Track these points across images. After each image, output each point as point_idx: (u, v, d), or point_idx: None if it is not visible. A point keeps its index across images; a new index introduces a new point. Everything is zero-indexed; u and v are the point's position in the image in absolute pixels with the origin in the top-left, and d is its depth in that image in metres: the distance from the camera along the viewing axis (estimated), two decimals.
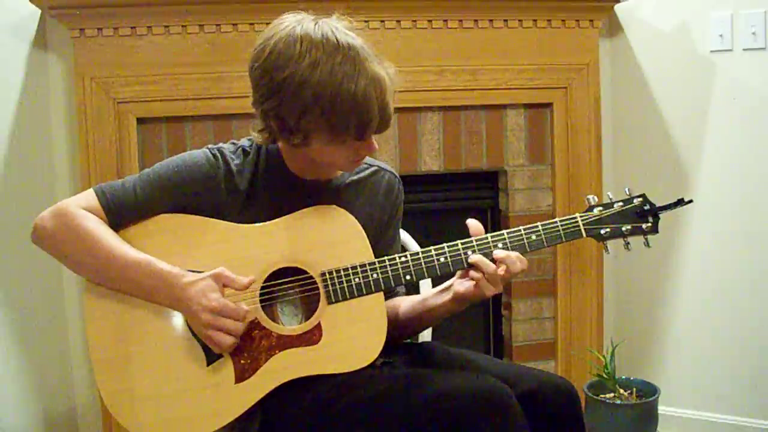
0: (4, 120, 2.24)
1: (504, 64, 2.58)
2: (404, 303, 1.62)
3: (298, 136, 1.40)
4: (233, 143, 1.55)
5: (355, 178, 1.60)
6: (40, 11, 2.36)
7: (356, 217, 1.51)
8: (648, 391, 2.52)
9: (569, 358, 2.73)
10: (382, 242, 1.62)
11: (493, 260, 1.44)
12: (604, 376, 2.52)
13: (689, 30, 2.59)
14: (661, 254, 2.73)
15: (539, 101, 2.64)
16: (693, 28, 2.58)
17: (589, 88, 2.66)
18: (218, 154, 1.50)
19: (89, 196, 1.46)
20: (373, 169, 1.63)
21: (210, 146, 1.52)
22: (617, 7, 2.71)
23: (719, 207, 2.59)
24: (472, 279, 1.45)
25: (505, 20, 2.56)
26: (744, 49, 2.49)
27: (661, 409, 2.53)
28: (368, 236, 1.52)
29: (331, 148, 1.42)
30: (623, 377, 2.59)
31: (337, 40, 1.35)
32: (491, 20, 2.55)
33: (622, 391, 2.53)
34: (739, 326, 2.57)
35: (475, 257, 1.45)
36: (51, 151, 2.46)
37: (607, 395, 2.51)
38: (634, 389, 2.55)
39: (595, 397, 2.48)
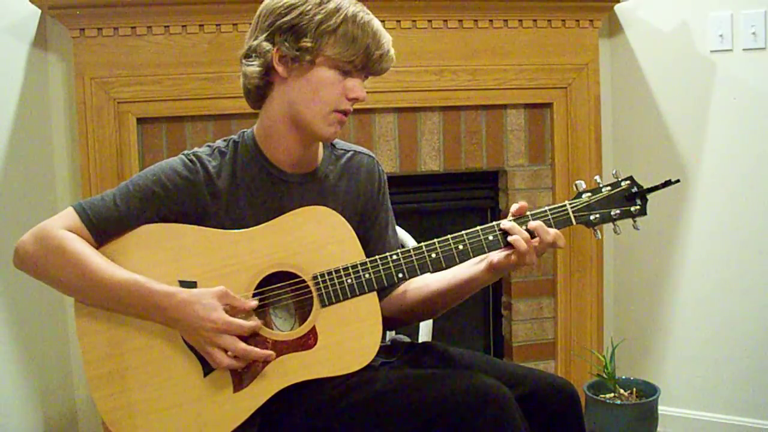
0: (4, 120, 2.24)
1: (504, 64, 2.58)
2: (434, 279, 1.59)
3: (307, 53, 1.41)
4: (208, 146, 1.54)
5: (333, 167, 1.58)
6: (40, 11, 2.36)
7: (341, 205, 1.51)
8: (648, 391, 2.52)
9: (569, 358, 2.72)
10: (375, 229, 1.62)
11: (528, 231, 1.44)
12: (604, 376, 2.52)
13: (689, 30, 2.59)
14: (661, 254, 2.73)
15: (539, 101, 2.64)
16: (693, 28, 2.58)
17: (589, 88, 2.65)
18: (195, 159, 1.49)
19: (69, 215, 1.43)
20: (350, 153, 1.62)
21: (185, 152, 1.51)
22: (617, 7, 2.71)
23: (719, 207, 2.59)
24: (511, 246, 1.43)
25: (505, 20, 2.56)
26: (744, 49, 2.49)
27: (661, 409, 2.53)
28: (355, 222, 1.52)
29: (329, 76, 1.42)
30: (623, 377, 2.58)
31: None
32: (491, 20, 2.55)
33: (622, 391, 2.52)
34: (739, 326, 2.57)
35: (507, 224, 1.43)
36: (51, 151, 2.46)
37: (607, 395, 2.51)
38: (634, 389, 2.55)
39: (595, 397, 2.48)
